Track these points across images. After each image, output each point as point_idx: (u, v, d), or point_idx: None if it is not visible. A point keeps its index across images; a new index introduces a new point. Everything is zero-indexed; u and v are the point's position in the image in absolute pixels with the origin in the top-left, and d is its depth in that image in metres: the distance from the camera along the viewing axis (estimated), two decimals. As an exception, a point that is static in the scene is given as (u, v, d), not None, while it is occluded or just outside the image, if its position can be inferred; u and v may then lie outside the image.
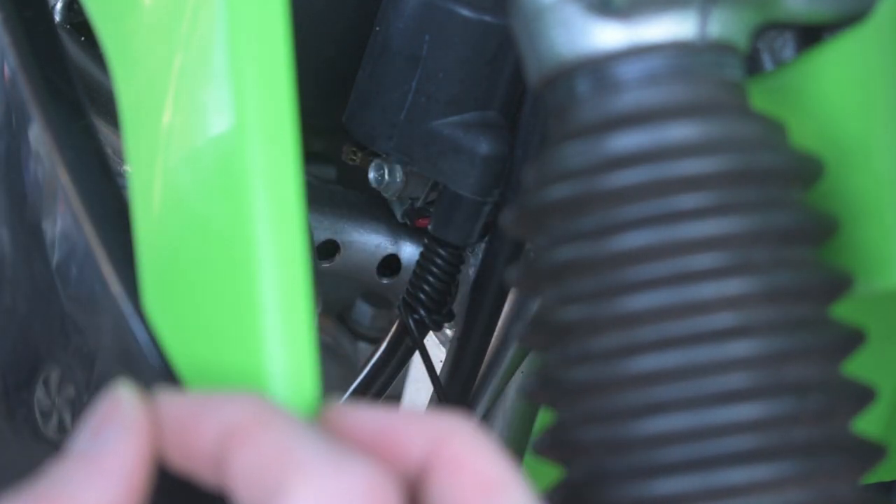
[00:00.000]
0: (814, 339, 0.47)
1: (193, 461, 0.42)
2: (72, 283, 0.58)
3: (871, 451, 0.48)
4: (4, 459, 0.62)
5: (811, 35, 0.52)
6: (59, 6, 0.88)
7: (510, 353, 0.74)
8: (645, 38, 0.48)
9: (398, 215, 0.80)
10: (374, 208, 0.86)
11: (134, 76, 0.56)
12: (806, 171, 0.49)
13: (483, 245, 0.73)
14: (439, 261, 0.73)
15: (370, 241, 0.86)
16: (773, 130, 0.49)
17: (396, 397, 1.13)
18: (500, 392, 0.80)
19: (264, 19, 0.45)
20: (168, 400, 0.44)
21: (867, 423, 0.50)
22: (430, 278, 0.74)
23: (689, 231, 0.46)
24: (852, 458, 0.47)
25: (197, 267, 0.49)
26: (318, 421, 0.44)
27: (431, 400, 0.74)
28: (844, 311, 0.49)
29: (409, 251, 0.87)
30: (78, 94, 0.63)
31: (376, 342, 1.20)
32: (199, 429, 0.42)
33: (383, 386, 0.79)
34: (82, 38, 0.87)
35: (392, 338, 0.78)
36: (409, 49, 0.68)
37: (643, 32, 0.48)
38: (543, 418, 0.67)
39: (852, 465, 0.47)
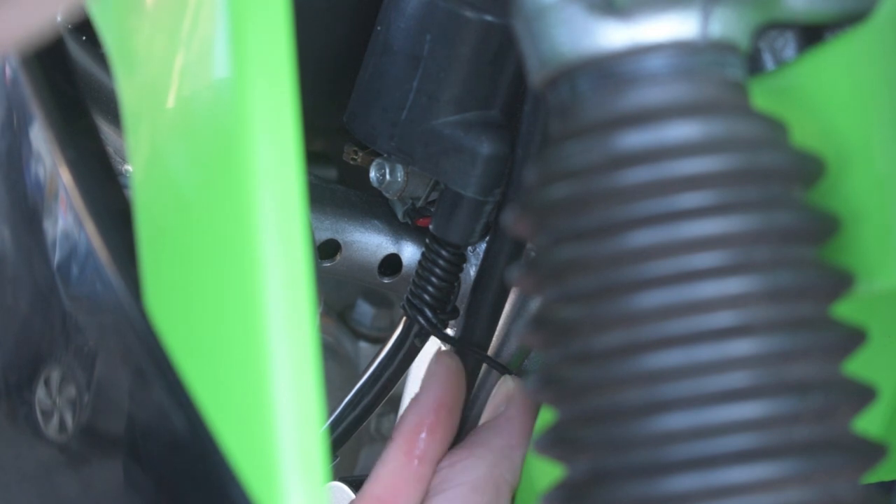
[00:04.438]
0: (815, 338, 0.47)
1: None
2: (73, 282, 0.58)
3: (872, 451, 0.48)
4: (5, 459, 0.63)
5: (812, 35, 0.52)
6: (60, 6, 0.88)
7: (511, 352, 0.74)
8: (646, 37, 0.48)
9: (399, 215, 0.80)
10: (375, 208, 0.86)
11: (135, 75, 0.56)
12: (807, 170, 0.49)
13: (484, 244, 0.73)
14: (441, 261, 0.73)
15: (371, 241, 0.86)
16: (775, 130, 0.49)
17: (397, 398, 1.12)
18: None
19: (266, 19, 0.46)
20: None
21: (868, 423, 0.51)
22: (433, 278, 0.74)
23: (691, 230, 0.46)
24: (853, 458, 0.47)
25: (199, 267, 0.49)
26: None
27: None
28: (846, 310, 0.49)
29: (410, 251, 0.87)
30: (79, 93, 0.63)
31: (377, 342, 1.20)
32: None
33: (388, 386, 0.79)
34: (84, 38, 0.87)
35: (397, 339, 0.78)
36: (411, 48, 0.68)
37: (645, 32, 0.48)
38: (544, 417, 0.67)
39: (853, 465, 0.47)
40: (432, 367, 0.70)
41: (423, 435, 0.68)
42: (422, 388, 0.70)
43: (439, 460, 0.68)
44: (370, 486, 0.68)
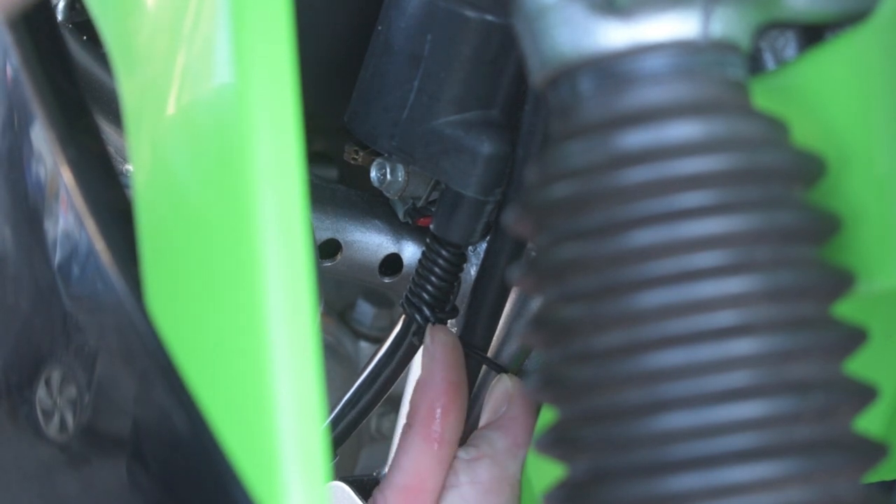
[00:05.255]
0: (816, 337, 0.47)
1: None
2: (74, 282, 0.58)
3: (873, 450, 0.48)
4: (6, 459, 0.63)
5: (813, 34, 0.52)
6: (61, 5, 0.88)
7: (512, 351, 0.74)
8: (648, 37, 0.48)
9: (400, 214, 0.80)
10: (376, 208, 0.86)
11: (136, 75, 0.56)
12: (808, 169, 0.49)
13: (485, 244, 0.73)
14: (441, 260, 0.73)
15: (372, 241, 0.86)
16: (776, 129, 0.49)
17: (397, 396, 1.13)
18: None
19: (268, 18, 0.46)
20: None
21: (868, 422, 0.51)
22: (433, 277, 0.74)
23: (692, 229, 0.46)
24: (854, 457, 0.47)
25: (200, 266, 0.49)
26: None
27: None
28: (846, 310, 0.49)
29: (410, 250, 0.87)
30: (80, 93, 0.63)
31: (377, 341, 1.20)
32: None
33: (387, 384, 0.79)
34: (84, 38, 0.87)
35: (396, 337, 0.78)
36: (411, 48, 0.68)
37: (646, 31, 0.48)
38: (545, 417, 0.67)
39: (854, 464, 0.47)
40: (430, 348, 0.70)
41: (438, 417, 0.68)
42: (424, 370, 0.69)
43: (458, 440, 0.68)
44: (395, 477, 0.67)
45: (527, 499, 0.68)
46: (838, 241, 0.49)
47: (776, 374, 0.46)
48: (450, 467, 0.67)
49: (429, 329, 0.71)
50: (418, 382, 0.69)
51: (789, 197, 0.48)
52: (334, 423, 0.80)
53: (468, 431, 0.70)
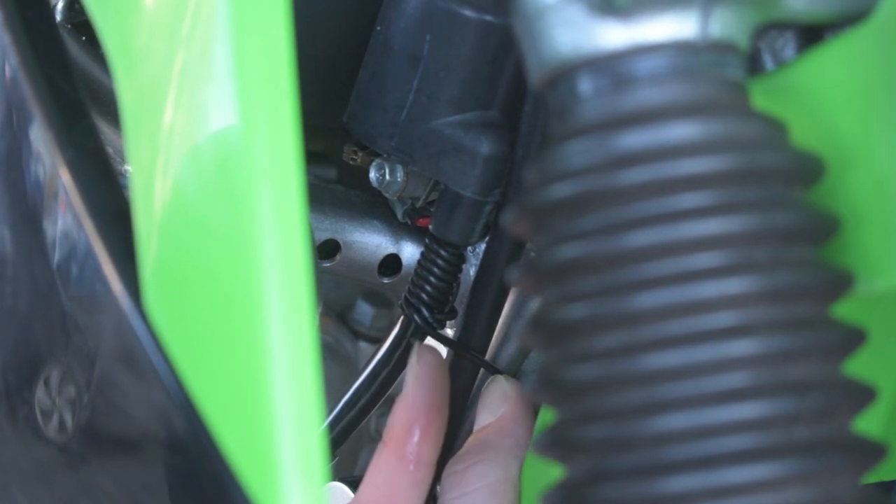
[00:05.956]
0: (815, 338, 0.47)
1: None
2: (72, 282, 0.58)
3: (872, 451, 0.48)
4: (5, 459, 0.62)
5: (812, 35, 0.52)
6: (60, 6, 0.88)
7: (511, 352, 0.74)
8: (646, 37, 0.48)
9: (399, 215, 0.80)
10: (375, 208, 0.86)
11: (135, 75, 0.56)
12: (807, 170, 0.49)
13: (484, 244, 0.73)
14: (440, 260, 0.73)
15: (371, 241, 0.86)
16: (775, 130, 0.49)
17: (396, 397, 1.12)
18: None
19: (266, 18, 0.45)
20: None
21: (868, 423, 0.51)
22: (432, 278, 0.74)
23: (691, 230, 0.46)
24: (853, 458, 0.47)
25: (198, 266, 0.49)
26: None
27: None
28: (846, 310, 0.49)
29: (409, 251, 0.87)
30: (79, 93, 0.63)
31: (377, 342, 1.20)
32: None
33: (386, 384, 0.79)
34: (83, 38, 0.87)
35: (395, 337, 0.78)
36: (411, 48, 0.68)
37: (644, 32, 0.48)
38: (544, 417, 0.67)
39: (853, 465, 0.47)
40: (415, 367, 0.69)
41: (416, 438, 0.67)
42: (407, 387, 0.68)
43: (435, 462, 0.67)
44: (366, 493, 0.66)
45: (527, 499, 0.68)
46: (838, 241, 0.49)
47: (775, 374, 0.46)
48: (432, 487, 0.67)
49: (416, 348, 0.70)
50: (399, 400, 0.68)
51: (788, 197, 0.48)
52: (333, 424, 0.80)
53: (465, 435, 0.70)
